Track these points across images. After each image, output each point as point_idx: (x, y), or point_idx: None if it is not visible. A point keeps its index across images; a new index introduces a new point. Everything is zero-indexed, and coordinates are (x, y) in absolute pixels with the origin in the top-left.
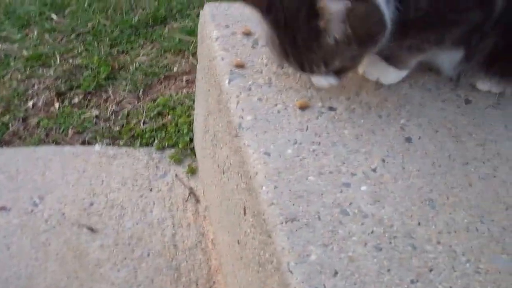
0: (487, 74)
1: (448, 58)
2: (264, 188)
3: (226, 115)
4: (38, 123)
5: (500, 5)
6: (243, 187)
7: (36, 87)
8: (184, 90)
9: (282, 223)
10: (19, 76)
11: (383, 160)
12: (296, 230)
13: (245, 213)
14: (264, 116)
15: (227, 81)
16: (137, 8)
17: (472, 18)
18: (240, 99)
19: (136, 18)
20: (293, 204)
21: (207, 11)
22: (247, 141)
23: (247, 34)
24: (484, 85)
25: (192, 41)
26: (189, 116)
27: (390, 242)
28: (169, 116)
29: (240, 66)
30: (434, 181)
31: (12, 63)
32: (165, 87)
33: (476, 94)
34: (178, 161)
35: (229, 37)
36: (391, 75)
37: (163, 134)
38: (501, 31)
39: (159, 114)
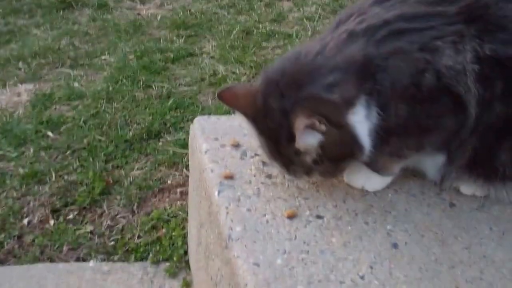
0: (471, 177)
1: (431, 163)
2: None
3: (216, 227)
4: (33, 240)
5: (473, 112)
6: None
7: (31, 204)
8: (178, 203)
9: None
10: (14, 194)
11: (371, 267)
12: None
13: None
14: (253, 226)
15: (216, 193)
16: (131, 123)
17: (445, 125)
18: (229, 210)
19: (131, 133)
20: None
21: (197, 125)
22: (236, 252)
23: (236, 146)
24: (468, 189)
25: (186, 154)
26: (183, 228)
27: None
28: (164, 229)
29: (229, 177)
30: (421, 286)
31: (8, 181)
32: (159, 200)
33: (461, 197)
34: (173, 274)
35: (218, 149)
36: (375, 182)
37: (158, 248)
38: (478, 137)
39: (154, 227)
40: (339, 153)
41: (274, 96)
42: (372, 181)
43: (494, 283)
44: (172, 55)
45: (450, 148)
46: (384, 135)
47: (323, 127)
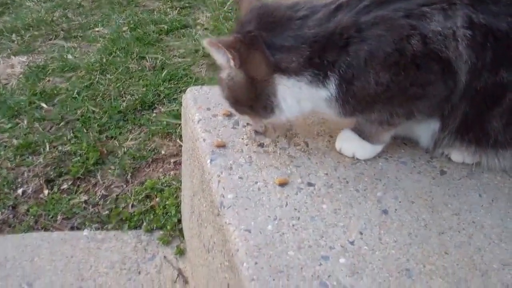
0: (463, 144)
1: (425, 130)
2: (244, 264)
3: (208, 195)
4: (28, 210)
5: (463, 79)
6: (226, 264)
7: (25, 175)
8: (172, 172)
9: None
10: (9, 165)
11: (361, 233)
12: None
13: None
14: (245, 194)
15: (209, 161)
16: (125, 94)
17: (434, 92)
18: (221, 178)
19: (125, 104)
20: (273, 279)
21: (189, 95)
22: (228, 219)
23: (228, 115)
24: (458, 156)
25: (179, 124)
26: (176, 197)
27: None
28: (157, 199)
29: (221, 146)
30: (410, 251)
31: (2, 152)
32: (153, 170)
33: (451, 165)
34: (167, 242)
35: (210, 119)
36: (366, 150)
37: (151, 217)
38: (468, 102)
39: (147, 197)
40: (243, 98)
41: (248, 18)
42: (363, 150)
43: (482, 247)
44: (166, 27)
45: (442, 114)
46: (362, 104)
47: (231, 64)
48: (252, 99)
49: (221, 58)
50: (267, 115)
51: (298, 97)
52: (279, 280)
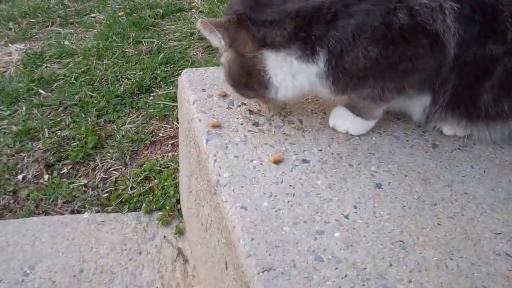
0: (454, 118)
1: (417, 104)
2: (241, 241)
3: (205, 174)
4: (28, 195)
5: (452, 52)
6: (223, 242)
7: (25, 160)
8: (170, 154)
9: (259, 273)
10: (8, 151)
11: (355, 207)
12: (273, 279)
13: (226, 267)
14: (241, 172)
15: (204, 141)
16: (122, 78)
17: (424, 65)
18: (217, 157)
19: (122, 88)
20: (269, 254)
21: (184, 77)
22: (224, 197)
23: (223, 96)
24: (450, 129)
25: (177, 107)
26: (175, 178)
27: (363, 285)
28: (156, 180)
29: (217, 126)
30: (404, 223)
31: (1, 139)
32: (151, 152)
33: (443, 138)
34: (166, 223)
35: (205, 100)
36: (359, 126)
37: (151, 198)
38: (457, 75)
39: (146, 178)
40: (238, 76)
41: (236, 0)
42: (356, 125)
43: (474, 218)
44: (161, 11)
45: (433, 88)
46: (354, 79)
47: (222, 43)
48: (245, 77)
49: (215, 39)
50: (265, 95)
51: (291, 73)
52: (275, 255)
